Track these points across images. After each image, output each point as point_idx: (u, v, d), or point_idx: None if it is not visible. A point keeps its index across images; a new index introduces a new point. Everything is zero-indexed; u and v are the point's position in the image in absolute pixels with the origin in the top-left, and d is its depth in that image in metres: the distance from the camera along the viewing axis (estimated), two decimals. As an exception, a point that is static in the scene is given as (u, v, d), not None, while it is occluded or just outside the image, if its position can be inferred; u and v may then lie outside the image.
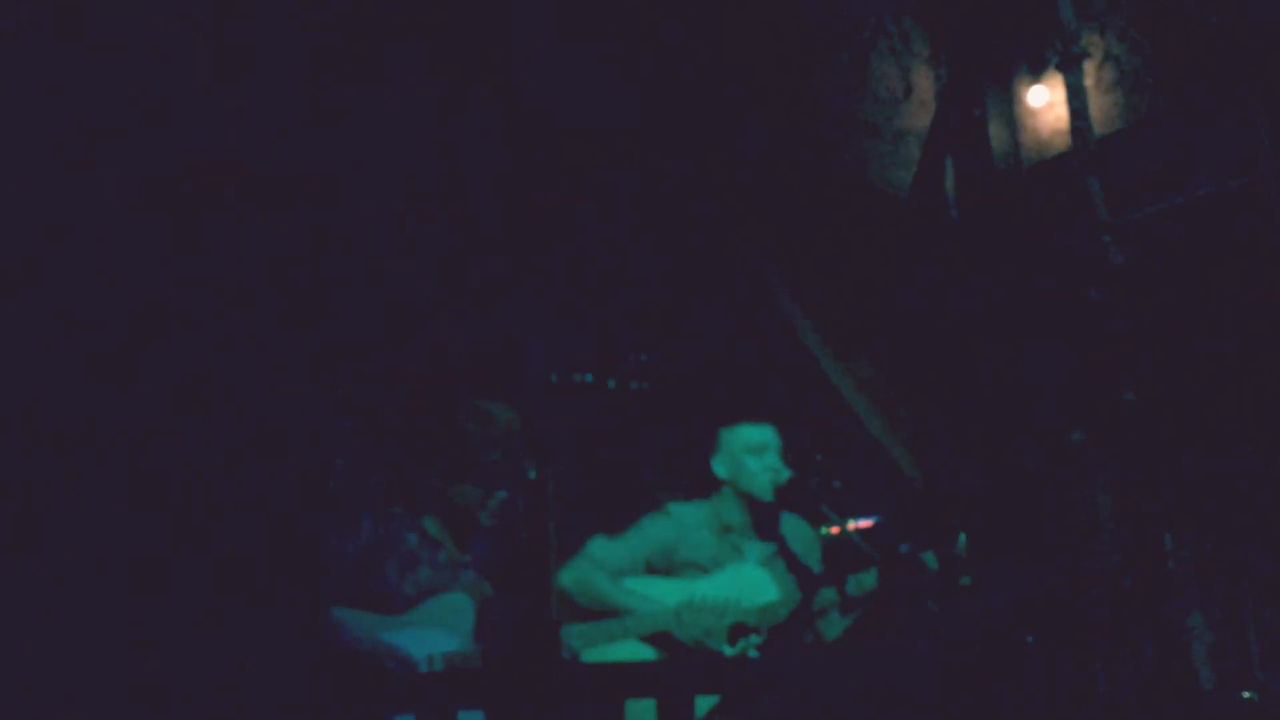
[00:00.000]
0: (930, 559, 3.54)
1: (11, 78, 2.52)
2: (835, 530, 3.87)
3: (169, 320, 2.66)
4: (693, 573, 3.94)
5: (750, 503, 4.00)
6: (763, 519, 4.04)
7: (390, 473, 3.86)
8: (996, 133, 4.50)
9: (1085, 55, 3.55)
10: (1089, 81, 4.14)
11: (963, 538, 3.45)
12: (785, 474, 3.93)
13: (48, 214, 2.54)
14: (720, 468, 4.05)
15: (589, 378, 5.29)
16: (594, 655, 3.81)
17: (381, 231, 4.19)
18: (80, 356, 2.54)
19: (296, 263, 2.96)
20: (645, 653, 3.81)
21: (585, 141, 4.51)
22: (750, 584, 3.88)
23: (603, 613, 3.86)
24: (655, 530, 4.02)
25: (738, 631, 3.72)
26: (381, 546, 3.39)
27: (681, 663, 3.66)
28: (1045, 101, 4.51)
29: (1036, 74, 4.56)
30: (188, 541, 2.55)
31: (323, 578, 3.21)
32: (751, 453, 3.98)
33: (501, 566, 3.64)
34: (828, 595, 3.76)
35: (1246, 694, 3.42)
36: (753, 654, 3.70)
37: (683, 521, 4.04)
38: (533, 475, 3.48)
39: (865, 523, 4.50)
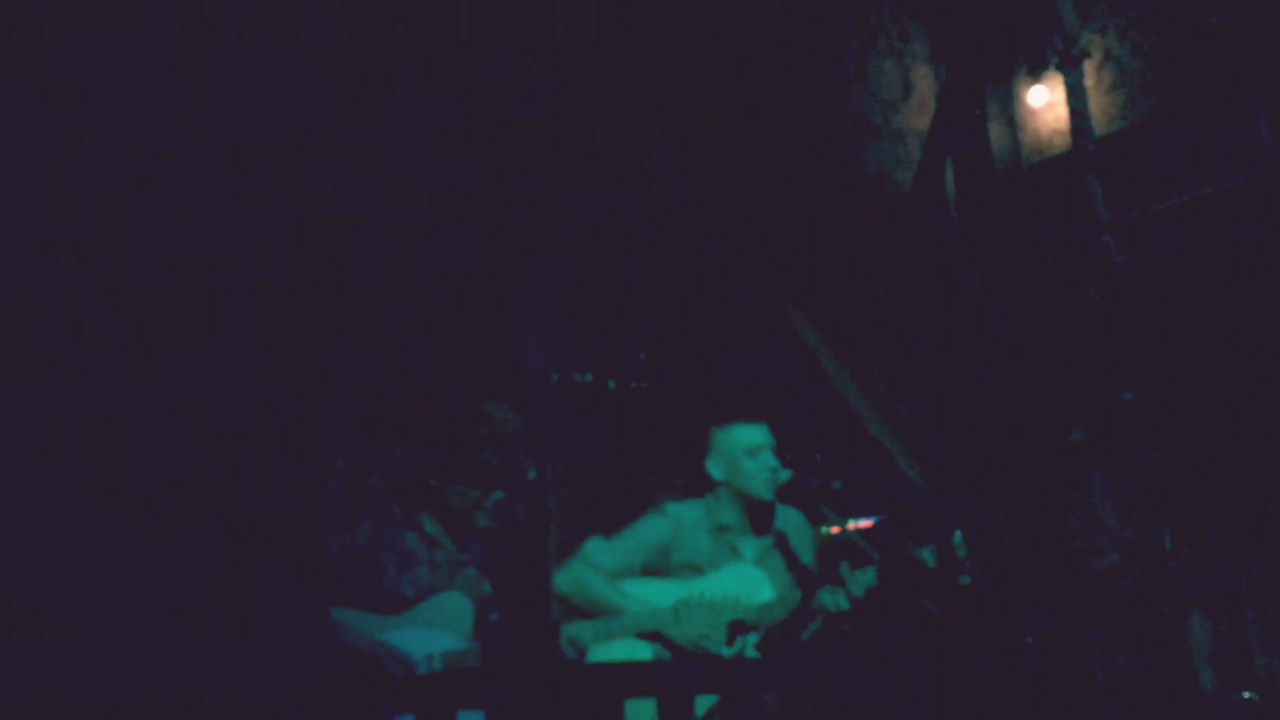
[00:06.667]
0: (930, 559, 3.54)
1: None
2: (835, 530, 3.86)
3: (167, 320, 2.66)
4: (689, 573, 3.94)
5: (745, 502, 4.00)
6: (758, 517, 4.04)
7: (389, 473, 3.86)
8: (996, 133, 4.50)
9: (1085, 55, 3.55)
10: (1089, 81, 4.13)
11: (960, 536, 3.45)
12: (785, 474, 3.93)
13: (44, 206, 2.54)
14: (715, 469, 4.03)
15: (589, 378, 5.29)
16: (592, 655, 3.81)
17: (381, 232, 4.18)
18: (79, 356, 2.54)
19: (294, 263, 2.96)
20: (643, 652, 3.81)
21: (582, 141, 4.50)
22: (748, 583, 3.88)
23: (600, 614, 3.85)
24: (650, 530, 4.02)
25: (735, 630, 3.72)
26: (380, 546, 3.39)
27: (681, 663, 3.66)
28: (1045, 101, 4.51)
29: (1036, 74, 4.56)
30: (187, 542, 2.55)
31: (322, 577, 3.21)
32: (747, 453, 3.97)
33: (500, 566, 3.64)
34: (826, 594, 3.75)
35: (1246, 694, 3.42)
36: (751, 653, 3.70)
37: (679, 521, 4.03)
38: (532, 475, 3.48)
39: (865, 523, 4.50)
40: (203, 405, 2.64)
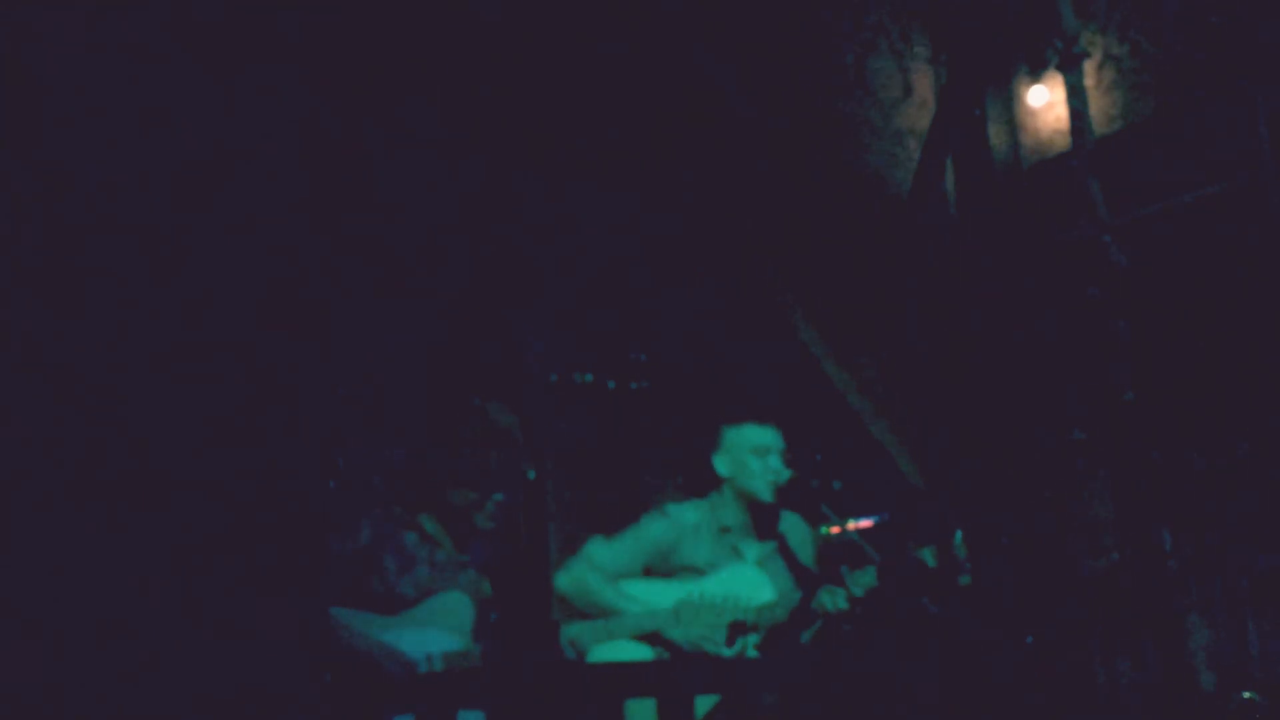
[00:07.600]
0: (930, 559, 3.54)
1: None
2: (835, 530, 3.87)
3: (166, 319, 2.66)
4: (690, 574, 3.94)
5: (748, 503, 4.01)
6: (761, 519, 4.05)
7: (389, 473, 3.86)
8: (996, 133, 4.49)
9: (1085, 55, 3.54)
10: (1089, 81, 4.13)
11: (960, 536, 3.46)
12: (785, 474, 3.94)
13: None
14: (721, 465, 4.05)
15: (589, 378, 5.30)
16: (592, 655, 3.81)
17: (382, 232, 4.19)
18: (79, 357, 2.54)
19: (296, 263, 2.96)
20: (643, 653, 3.81)
21: (584, 141, 4.51)
22: (748, 584, 3.88)
23: (600, 615, 3.86)
24: (652, 532, 4.02)
25: (735, 631, 3.72)
26: (380, 546, 3.39)
27: (682, 663, 3.66)
28: (1045, 101, 4.51)
29: (1036, 74, 4.56)
30: (186, 542, 2.55)
31: (322, 577, 3.21)
32: (755, 453, 3.99)
33: (501, 566, 3.64)
34: (827, 595, 3.76)
35: (1246, 694, 3.41)
36: (751, 653, 3.71)
37: (680, 522, 4.04)
38: (532, 476, 3.48)
39: (865, 523, 4.51)
40: (201, 405, 2.64)
